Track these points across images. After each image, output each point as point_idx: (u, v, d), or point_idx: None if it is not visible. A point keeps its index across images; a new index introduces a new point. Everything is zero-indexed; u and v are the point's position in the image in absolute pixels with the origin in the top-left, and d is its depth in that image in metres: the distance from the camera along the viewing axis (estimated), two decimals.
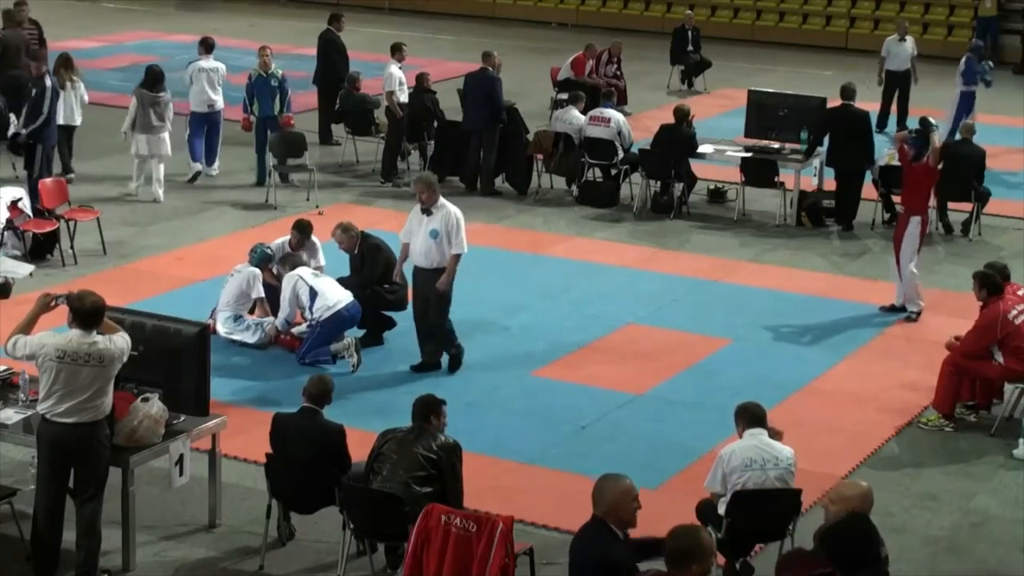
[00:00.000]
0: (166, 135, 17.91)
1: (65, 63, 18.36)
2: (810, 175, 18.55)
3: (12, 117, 17.55)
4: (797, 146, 18.19)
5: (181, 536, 9.92)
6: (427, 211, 12.52)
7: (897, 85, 22.78)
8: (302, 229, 13.89)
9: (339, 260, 13.88)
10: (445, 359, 12.87)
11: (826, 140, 18.05)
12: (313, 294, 12.98)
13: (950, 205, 17.69)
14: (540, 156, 19.04)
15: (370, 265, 13.41)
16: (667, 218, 17.97)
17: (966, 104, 21.67)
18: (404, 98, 19.14)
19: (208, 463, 10.00)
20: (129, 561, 9.39)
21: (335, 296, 13.00)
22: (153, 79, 17.99)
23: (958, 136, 18.18)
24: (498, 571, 8.37)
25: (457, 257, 12.51)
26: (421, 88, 19.55)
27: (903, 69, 22.77)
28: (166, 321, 9.89)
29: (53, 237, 15.46)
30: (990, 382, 12.17)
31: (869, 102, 18.54)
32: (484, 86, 18.66)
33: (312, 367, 12.48)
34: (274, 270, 13.71)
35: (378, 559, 9.38)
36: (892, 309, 14.64)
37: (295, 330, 13.15)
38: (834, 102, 18.30)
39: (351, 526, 9.16)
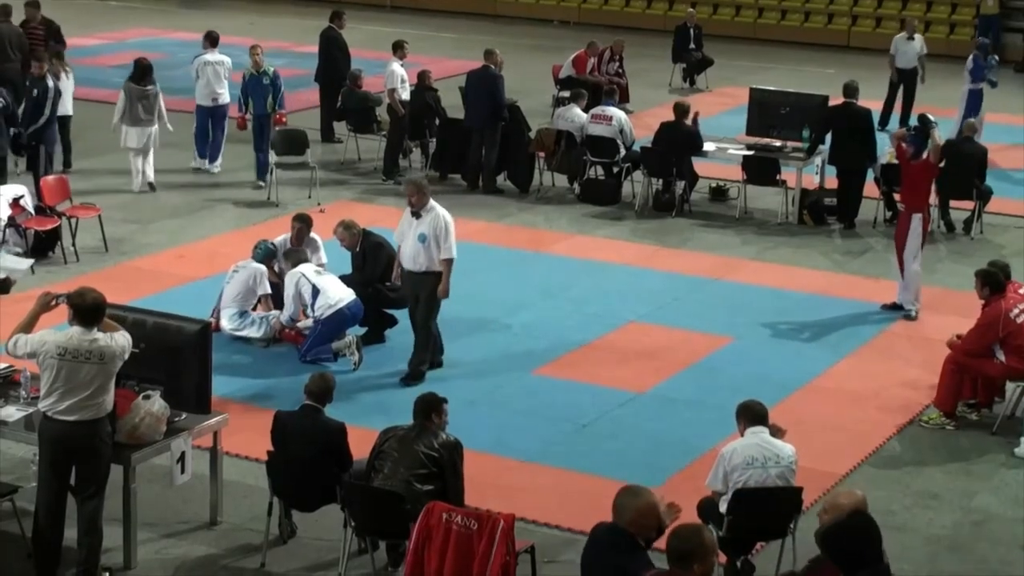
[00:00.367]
0: (154, 128, 17.95)
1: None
2: (812, 173, 18.54)
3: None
4: (799, 144, 18.18)
5: (182, 533, 9.92)
6: (416, 214, 12.38)
7: (903, 83, 22.78)
8: (303, 219, 13.89)
9: (341, 258, 13.88)
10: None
11: (828, 138, 18.05)
12: (315, 292, 12.98)
13: (952, 203, 17.68)
14: (542, 154, 19.04)
15: (372, 263, 13.40)
16: (669, 216, 17.97)
17: (974, 102, 21.66)
18: (406, 96, 19.14)
19: (209, 460, 10.00)
20: (130, 559, 9.39)
21: (337, 294, 13.00)
22: (141, 72, 18.08)
23: (960, 134, 18.12)
24: (499, 569, 8.37)
25: (449, 262, 12.34)
26: (423, 86, 19.55)
27: (910, 67, 22.78)
28: (167, 318, 9.89)
29: (54, 234, 15.47)
30: (991, 381, 12.17)
31: (873, 100, 18.50)
32: (486, 84, 18.66)
33: (314, 365, 12.48)
34: (276, 267, 13.71)
35: (379, 557, 9.38)
36: (893, 307, 14.64)
37: (300, 324, 13.15)
38: (836, 100, 18.30)
39: (352, 524, 9.16)
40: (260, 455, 9.97)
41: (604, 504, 10.39)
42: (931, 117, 15.08)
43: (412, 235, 12.39)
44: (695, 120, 18.35)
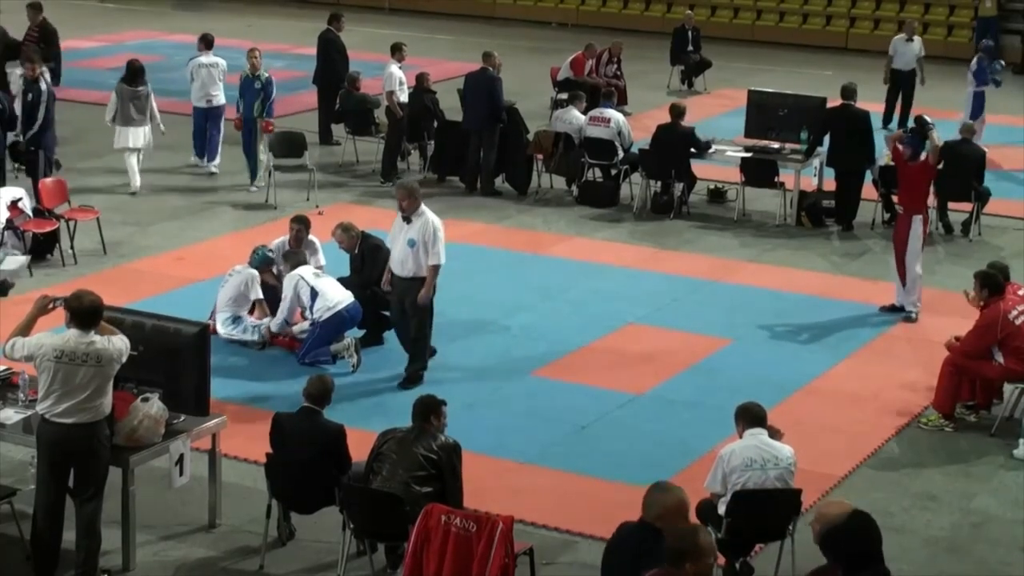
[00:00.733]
0: (146, 128, 18.00)
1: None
2: (810, 175, 18.55)
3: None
4: (797, 146, 18.19)
5: (181, 536, 9.91)
6: (407, 219, 12.34)
7: (902, 85, 22.78)
8: (301, 221, 13.89)
9: (339, 260, 13.87)
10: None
11: (826, 140, 18.05)
12: (314, 294, 12.98)
13: (950, 205, 17.67)
14: (540, 156, 19.04)
15: (370, 265, 13.40)
16: (667, 218, 17.97)
17: (977, 104, 21.69)
18: (404, 98, 19.14)
19: (208, 463, 10.00)
20: (129, 561, 9.38)
21: (335, 296, 12.99)
22: (133, 74, 18.14)
23: (958, 136, 18.12)
24: (498, 571, 8.37)
25: (435, 268, 12.26)
26: (421, 88, 19.56)
27: (908, 69, 22.79)
28: (166, 321, 9.89)
29: (53, 237, 15.46)
30: (990, 382, 12.17)
31: (872, 102, 18.52)
32: (484, 86, 18.66)
33: (312, 367, 12.48)
34: (275, 270, 13.71)
35: (378, 559, 9.37)
36: (892, 309, 14.64)
37: (296, 328, 13.15)
38: (834, 102, 18.31)
39: (351, 526, 9.16)
40: (259, 457, 9.97)
41: (603, 506, 10.47)
42: (928, 119, 15.07)
43: (401, 240, 12.36)
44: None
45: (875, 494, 10.73)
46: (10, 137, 16.97)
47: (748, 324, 14.30)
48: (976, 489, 11.07)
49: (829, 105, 18.38)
